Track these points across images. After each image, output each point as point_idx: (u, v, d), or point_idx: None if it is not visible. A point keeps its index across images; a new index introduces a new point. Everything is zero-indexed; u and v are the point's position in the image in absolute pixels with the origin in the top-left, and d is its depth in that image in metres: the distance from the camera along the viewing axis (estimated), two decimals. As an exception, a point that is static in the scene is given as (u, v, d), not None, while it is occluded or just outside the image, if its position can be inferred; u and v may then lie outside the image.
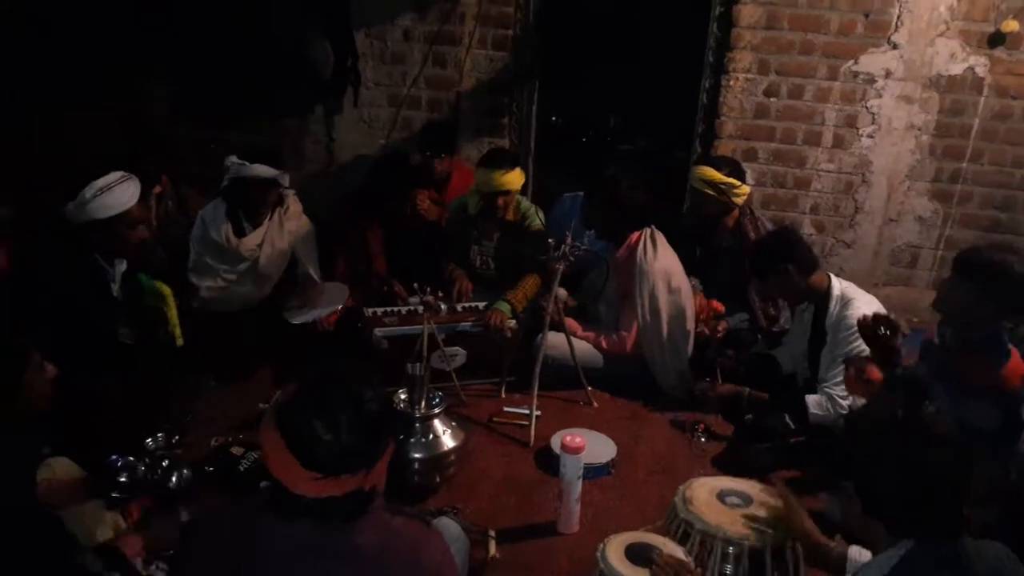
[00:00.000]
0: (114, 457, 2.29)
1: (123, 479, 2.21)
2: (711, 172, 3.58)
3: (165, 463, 2.30)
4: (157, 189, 3.72)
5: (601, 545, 2.04)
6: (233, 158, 3.37)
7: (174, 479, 2.27)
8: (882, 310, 2.95)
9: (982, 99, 4.10)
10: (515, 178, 3.57)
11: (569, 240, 3.14)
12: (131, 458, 2.27)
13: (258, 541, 1.41)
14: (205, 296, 3.44)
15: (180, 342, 2.99)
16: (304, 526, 1.39)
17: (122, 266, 2.88)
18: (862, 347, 2.84)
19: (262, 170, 3.36)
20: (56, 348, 2.18)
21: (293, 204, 3.63)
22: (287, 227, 3.56)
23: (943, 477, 1.52)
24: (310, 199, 3.84)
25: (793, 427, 2.91)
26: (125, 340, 2.81)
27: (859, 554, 1.90)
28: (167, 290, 2.99)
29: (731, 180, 3.55)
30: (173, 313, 2.97)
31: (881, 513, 1.62)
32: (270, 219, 3.53)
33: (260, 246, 3.49)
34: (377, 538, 1.42)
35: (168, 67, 4.40)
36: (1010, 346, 2.36)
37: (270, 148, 3.80)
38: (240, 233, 3.49)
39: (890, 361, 2.46)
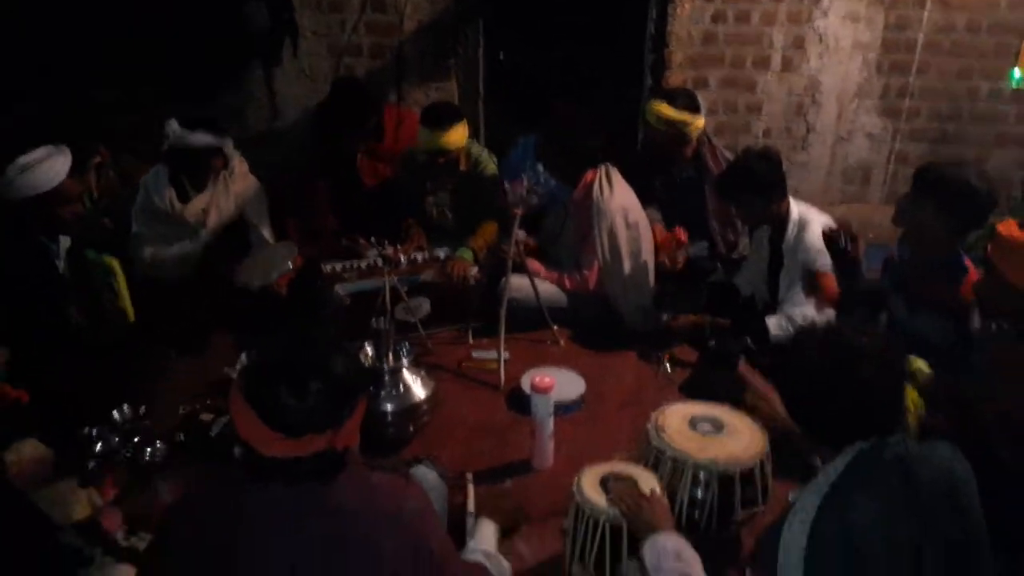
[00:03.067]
0: (87, 429, 2.26)
1: (99, 448, 2.19)
2: (665, 108, 3.54)
3: (137, 438, 2.27)
4: (96, 159, 3.58)
5: (576, 478, 2.07)
6: (173, 123, 3.25)
7: (148, 453, 2.25)
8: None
9: (925, 13, 4.12)
10: (456, 136, 3.48)
11: (526, 183, 3.11)
12: (105, 427, 2.24)
13: (240, 509, 1.41)
14: (151, 265, 3.35)
15: (131, 317, 2.91)
16: (281, 489, 1.39)
17: (66, 242, 2.78)
18: (819, 266, 2.90)
19: (203, 138, 3.26)
20: (5, 331, 2.12)
21: (239, 165, 3.53)
22: (233, 189, 3.47)
23: (870, 390, 1.51)
24: (254, 156, 3.73)
25: (755, 349, 2.96)
26: (74, 320, 2.73)
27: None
28: (115, 264, 2.91)
29: (684, 116, 3.52)
30: (123, 287, 2.90)
31: (814, 433, 1.63)
32: (215, 183, 3.43)
33: (206, 211, 3.40)
34: (358, 495, 1.43)
35: (98, 28, 4.19)
36: (968, 262, 2.41)
37: (209, 107, 3.68)
38: (184, 198, 3.39)
39: (849, 269, 2.50)
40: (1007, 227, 2.01)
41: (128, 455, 2.24)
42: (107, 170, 3.66)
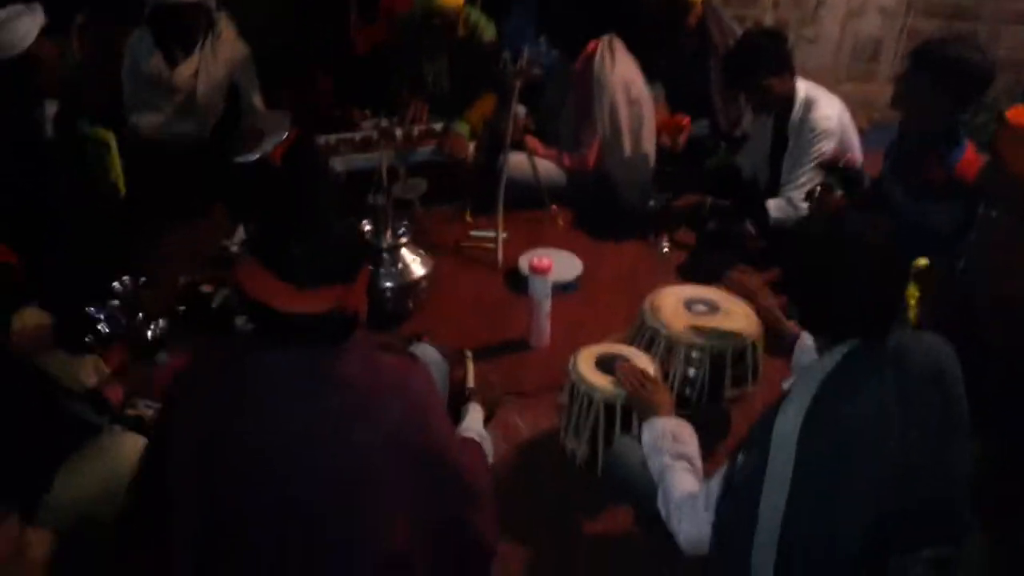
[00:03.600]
0: (92, 308, 2.28)
1: (103, 328, 2.22)
2: None
3: (140, 315, 2.30)
4: (81, 19, 3.40)
5: (572, 357, 2.12)
6: None
7: (151, 330, 2.28)
8: (846, 113, 2.94)
9: None
10: None
11: (525, 54, 3.00)
12: (111, 304, 2.27)
13: (247, 376, 1.42)
14: (146, 133, 3.26)
15: (123, 191, 2.87)
16: (291, 355, 1.42)
17: (52, 108, 2.69)
18: (825, 149, 2.86)
19: None
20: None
21: (226, 29, 3.38)
22: (222, 54, 3.34)
23: (871, 285, 1.50)
24: (241, 19, 3.57)
25: (754, 232, 2.97)
26: (60, 188, 2.67)
27: (808, 338, 1.99)
28: (109, 135, 2.83)
29: None
30: (115, 161, 2.83)
31: (814, 326, 1.64)
32: (202, 46, 3.29)
33: (195, 76, 3.28)
34: (366, 371, 1.45)
35: None
36: (966, 140, 2.38)
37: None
38: (172, 62, 3.26)
39: (857, 184, 2.49)
40: (1016, 114, 1.95)
41: (130, 330, 2.26)
42: (91, 33, 3.49)
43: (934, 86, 2.29)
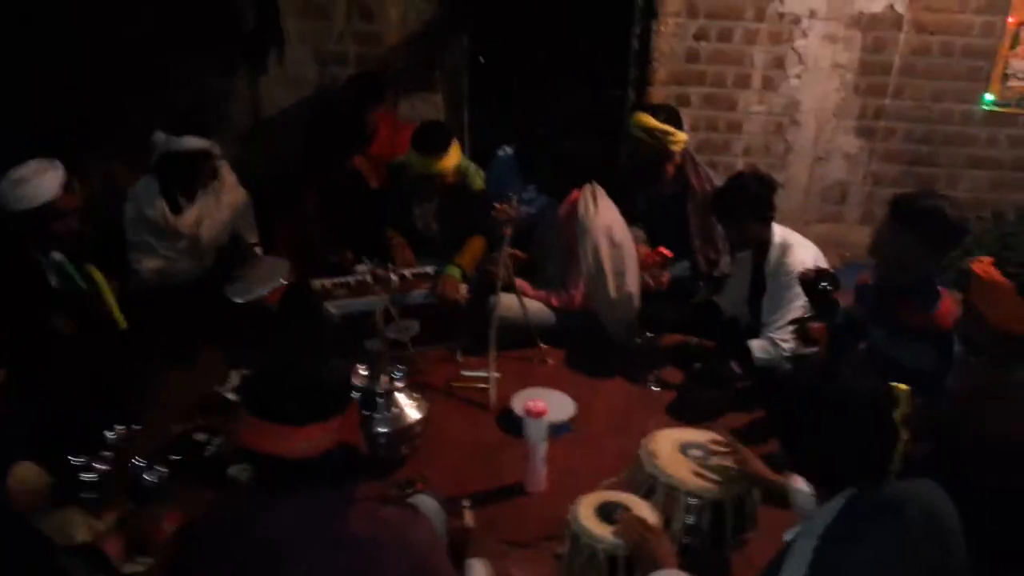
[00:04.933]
0: (73, 459, 2.26)
1: (90, 477, 2.19)
2: (647, 119, 3.60)
3: (141, 462, 2.28)
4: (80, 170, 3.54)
5: (572, 507, 2.12)
6: (160, 133, 3.23)
7: (147, 478, 2.26)
8: (820, 258, 3.09)
9: (901, 36, 4.23)
10: (450, 160, 3.50)
11: (515, 202, 3.15)
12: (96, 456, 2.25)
13: (251, 538, 1.43)
14: (146, 277, 3.33)
15: (123, 324, 2.90)
16: (298, 508, 1.42)
17: (58, 257, 2.76)
18: (801, 294, 2.98)
19: (193, 142, 3.24)
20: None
21: (227, 175, 3.53)
22: (224, 200, 3.47)
23: (867, 437, 1.55)
24: (239, 164, 3.73)
25: (739, 373, 3.04)
26: (60, 329, 2.71)
27: (800, 482, 1.98)
28: (98, 274, 2.89)
29: (667, 127, 3.58)
30: (109, 296, 2.88)
31: (808, 475, 1.69)
32: (205, 193, 3.42)
33: (199, 222, 3.39)
34: (368, 527, 1.46)
35: (81, 31, 4.13)
36: (941, 289, 2.50)
37: (196, 115, 3.66)
38: (176, 210, 3.37)
39: (830, 312, 2.58)
40: (981, 266, 2.08)
41: (126, 481, 2.24)
42: (92, 179, 3.62)
43: (915, 241, 2.42)
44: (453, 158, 3.52)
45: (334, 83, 4.41)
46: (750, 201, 3.03)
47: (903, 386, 2.26)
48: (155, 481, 2.31)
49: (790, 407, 1.70)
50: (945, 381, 2.41)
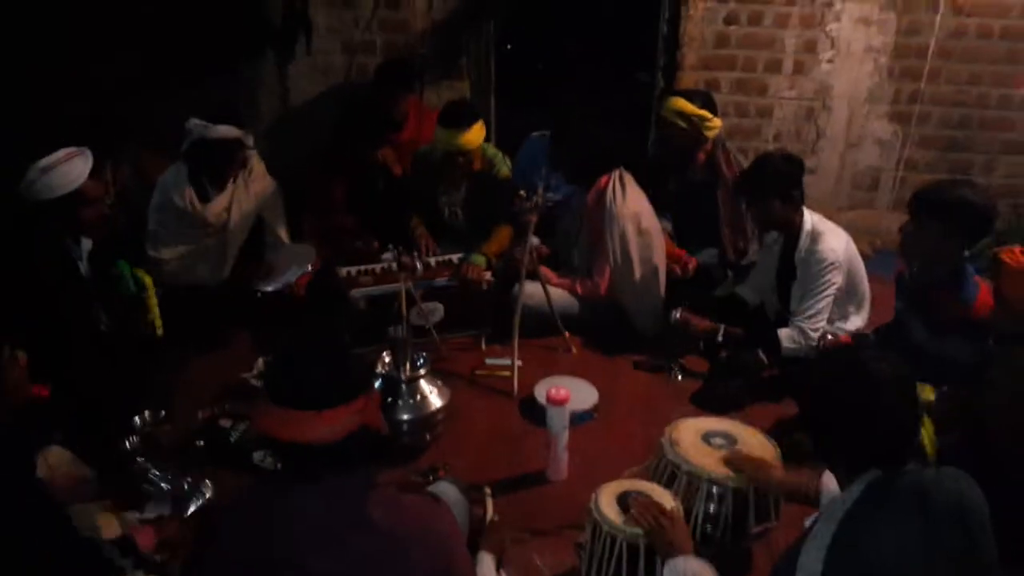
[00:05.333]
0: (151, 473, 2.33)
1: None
2: (683, 103, 3.55)
3: (188, 482, 2.32)
4: (112, 159, 3.59)
5: (593, 495, 2.11)
6: (194, 120, 3.25)
7: (195, 501, 2.30)
8: (851, 245, 3.03)
9: (938, 18, 4.11)
10: (474, 136, 3.48)
11: (541, 190, 3.13)
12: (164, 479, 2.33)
13: (276, 526, 1.45)
14: (169, 268, 3.36)
15: (160, 332, 2.95)
16: (321, 497, 1.43)
17: (87, 245, 2.81)
18: (834, 280, 2.93)
19: (226, 131, 3.26)
20: (27, 335, 2.15)
21: (256, 165, 3.55)
22: (252, 189, 3.49)
23: (887, 418, 1.54)
24: (268, 153, 3.76)
25: (767, 362, 3.00)
26: (103, 327, 2.76)
27: (831, 479, 1.97)
28: (148, 279, 2.93)
29: (703, 112, 3.54)
30: (154, 303, 2.92)
31: (832, 458, 1.66)
32: (234, 182, 3.45)
33: (227, 211, 3.42)
34: (389, 514, 1.47)
35: (113, 26, 4.18)
36: (976, 279, 2.44)
37: (228, 104, 3.69)
38: (205, 198, 3.40)
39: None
40: (1012, 256, 2.03)
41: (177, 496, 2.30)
42: (123, 169, 3.67)
43: (940, 231, 2.37)
44: (477, 134, 3.50)
45: (362, 72, 4.43)
46: (774, 177, 2.96)
47: (929, 391, 2.23)
48: (199, 499, 2.33)
49: (815, 388, 1.68)
50: (978, 370, 2.36)
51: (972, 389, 2.24)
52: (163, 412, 2.70)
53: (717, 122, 3.61)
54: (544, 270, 3.39)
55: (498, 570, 1.91)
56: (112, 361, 2.68)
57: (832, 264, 2.90)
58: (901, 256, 2.57)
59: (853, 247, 3.06)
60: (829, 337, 2.84)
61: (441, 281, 3.36)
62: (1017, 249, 2.04)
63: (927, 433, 2.06)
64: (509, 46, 5.78)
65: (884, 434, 1.55)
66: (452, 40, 4.39)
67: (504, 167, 3.72)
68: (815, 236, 2.99)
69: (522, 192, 3.15)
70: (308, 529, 1.43)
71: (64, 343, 2.60)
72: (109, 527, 2.02)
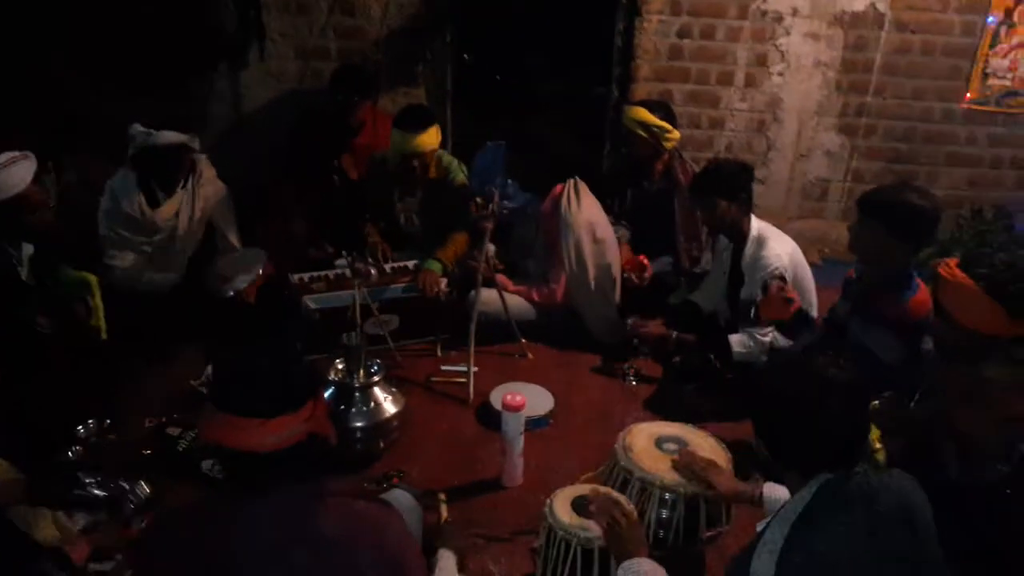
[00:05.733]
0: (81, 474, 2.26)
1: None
2: (644, 113, 3.58)
3: (125, 484, 2.26)
4: (54, 162, 3.51)
5: (548, 500, 2.11)
6: (137, 126, 3.19)
7: (132, 499, 2.23)
8: (797, 252, 3.09)
9: (883, 34, 4.24)
10: (429, 139, 3.46)
11: (497, 198, 3.14)
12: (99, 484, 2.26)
13: (220, 537, 1.41)
14: (120, 274, 3.28)
15: (105, 335, 2.87)
16: (268, 507, 1.40)
17: (28, 250, 2.73)
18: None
19: (170, 136, 3.20)
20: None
21: (206, 169, 3.49)
22: (202, 193, 3.42)
23: (838, 421, 1.56)
24: (220, 160, 3.68)
25: (719, 366, 3.04)
26: (43, 330, 2.68)
27: (771, 490, 2.01)
28: (93, 279, 2.86)
29: (664, 124, 3.58)
30: (99, 304, 2.85)
31: (783, 461, 1.67)
32: (184, 187, 3.39)
33: (176, 216, 3.35)
34: (341, 524, 1.45)
35: (59, 30, 4.07)
36: (918, 280, 2.51)
37: (174, 110, 3.62)
38: (154, 203, 3.33)
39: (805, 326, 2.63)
40: (947, 269, 2.08)
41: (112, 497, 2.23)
42: (65, 174, 3.58)
43: (886, 232, 2.43)
44: (433, 137, 3.48)
45: (316, 77, 4.38)
46: (722, 177, 3.03)
47: (875, 403, 2.28)
48: (138, 501, 2.27)
49: (766, 394, 1.70)
50: (913, 375, 2.42)
51: (901, 393, 2.30)
52: (107, 420, 2.63)
53: (676, 134, 3.66)
54: (500, 277, 3.40)
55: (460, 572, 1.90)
56: (53, 366, 2.60)
57: (776, 269, 2.96)
58: (849, 251, 2.64)
59: (800, 255, 3.12)
60: (778, 343, 2.89)
61: (396, 290, 3.34)
62: (952, 261, 2.09)
63: (875, 438, 2.11)
64: (467, 56, 5.82)
65: (836, 438, 1.57)
66: (408, 48, 4.38)
67: (460, 174, 3.72)
68: (760, 242, 3.05)
69: (479, 199, 3.16)
70: (251, 548, 1.40)
71: (2, 348, 2.52)
72: (45, 531, 1.96)
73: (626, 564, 1.78)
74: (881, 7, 4.16)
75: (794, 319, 2.67)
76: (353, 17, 4.32)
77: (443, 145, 3.77)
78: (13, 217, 2.60)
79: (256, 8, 4.23)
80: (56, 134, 3.47)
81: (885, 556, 1.51)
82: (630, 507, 2.03)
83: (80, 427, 2.57)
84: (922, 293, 2.49)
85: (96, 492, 2.25)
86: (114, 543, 2.04)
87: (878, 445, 2.13)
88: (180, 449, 2.57)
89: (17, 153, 2.62)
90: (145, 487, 2.31)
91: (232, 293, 3.19)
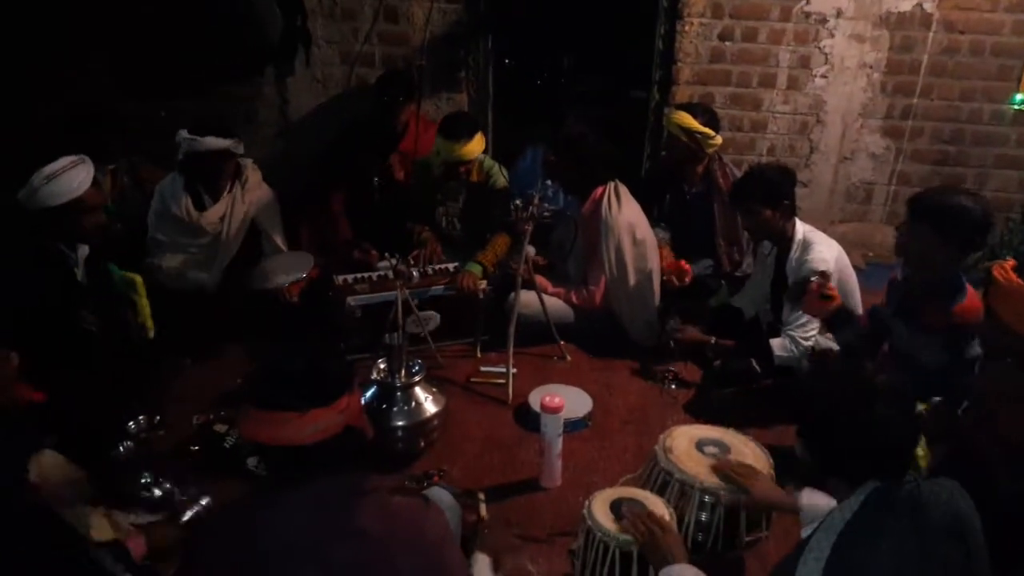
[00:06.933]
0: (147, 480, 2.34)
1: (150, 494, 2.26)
2: (687, 118, 3.57)
3: (185, 495, 2.32)
4: (111, 166, 3.62)
5: (587, 502, 2.11)
6: (183, 132, 3.29)
7: (193, 510, 2.29)
8: (842, 256, 3.05)
9: (930, 35, 4.16)
10: (475, 147, 3.54)
11: (536, 200, 3.16)
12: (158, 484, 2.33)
13: (262, 535, 1.44)
14: (166, 274, 3.38)
15: (151, 334, 2.96)
16: (308, 503, 1.43)
17: (84, 251, 2.82)
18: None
19: (214, 143, 3.29)
20: (20, 339, 2.16)
21: (252, 174, 3.57)
22: (248, 198, 3.51)
23: (888, 428, 1.55)
24: (266, 164, 3.77)
25: (760, 371, 3.02)
26: (88, 327, 2.76)
27: (810, 497, 1.96)
28: (138, 279, 2.95)
29: (706, 130, 3.56)
30: (144, 303, 2.93)
31: (830, 468, 1.66)
32: (230, 191, 3.48)
33: (222, 219, 3.44)
34: (380, 519, 1.46)
35: (110, 38, 4.20)
36: (967, 285, 2.46)
37: (221, 116, 3.71)
38: (200, 207, 3.43)
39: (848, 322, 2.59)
40: (1001, 271, 2.04)
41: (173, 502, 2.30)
42: (121, 176, 3.70)
43: (938, 237, 2.38)
44: (477, 145, 3.56)
45: (361, 83, 4.46)
46: (764, 185, 2.99)
47: (922, 406, 2.25)
48: (196, 510, 2.33)
49: (814, 401, 1.69)
50: (961, 380, 2.37)
51: (949, 399, 2.26)
52: (158, 417, 2.70)
53: (719, 139, 3.64)
54: (540, 279, 3.42)
55: (495, 572, 1.91)
56: (104, 365, 2.68)
57: (821, 263, 2.92)
58: (897, 255, 2.59)
59: (845, 258, 3.09)
60: (821, 346, 2.86)
61: (437, 289, 3.38)
62: (1008, 264, 2.05)
63: (920, 446, 2.08)
64: (508, 61, 5.86)
65: (886, 446, 1.56)
66: (451, 53, 4.43)
67: (501, 178, 3.76)
68: (806, 246, 3.01)
69: (518, 202, 3.18)
70: (291, 542, 1.41)
71: (56, 347, 2.60)
72: (102, 531, 2.01)
73: (666, 570, 1.78)
74: (928, 7, 4.09)
75: (835, 316, 2.63)
76: (397, 23, 4.38)
77: (484, 149, 3.80)
78: (71, 220, 2.69)
79: (302, 15, 4.31)
80: (110, 137, 3.57)
81: (934, 567, 1.48)
82: (666, 512, 2.02)
83: (131, 423, 2.65)
84: (971, 298, 2.44)
85: (156, 492, 2.32)
86: (171, 542, 2.08)
87: (922, 452, 2.09)
88: (227, 446, 2.63)
89: (75, 157, 2.71)
90: (203, 494, 2.35)
91: (271, 287, 3.26)
